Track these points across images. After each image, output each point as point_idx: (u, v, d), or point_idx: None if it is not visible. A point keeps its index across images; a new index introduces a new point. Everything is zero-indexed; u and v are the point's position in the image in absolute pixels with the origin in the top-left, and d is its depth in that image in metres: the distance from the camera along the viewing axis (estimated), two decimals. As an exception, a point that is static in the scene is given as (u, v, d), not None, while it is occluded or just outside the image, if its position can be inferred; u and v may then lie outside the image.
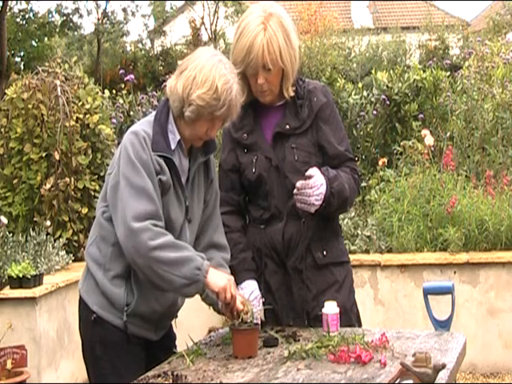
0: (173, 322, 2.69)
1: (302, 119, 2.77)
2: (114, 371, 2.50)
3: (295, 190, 2.63)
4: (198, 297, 2.54)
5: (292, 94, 2.76)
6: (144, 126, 2.49)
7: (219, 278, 2.40)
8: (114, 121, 6.85)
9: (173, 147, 2.48)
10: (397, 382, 2.02)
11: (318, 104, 2.78)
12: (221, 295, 2.40)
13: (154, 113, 2.56)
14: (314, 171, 2.65)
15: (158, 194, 2.41)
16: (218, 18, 20.25)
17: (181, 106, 2.44)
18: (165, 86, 2.61)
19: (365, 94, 7.66)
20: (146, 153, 2.41)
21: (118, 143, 2.72)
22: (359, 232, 5.65)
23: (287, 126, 2.76)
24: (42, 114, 5.74)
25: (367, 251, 5.54)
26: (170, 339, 2.67)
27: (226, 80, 2.40)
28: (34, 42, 17.63)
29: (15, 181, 5.74)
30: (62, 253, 5.36)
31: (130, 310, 2.48)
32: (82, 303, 2.57)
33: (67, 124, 5.70)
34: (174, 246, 2.37)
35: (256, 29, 2.63)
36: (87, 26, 59.99)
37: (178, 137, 2.49)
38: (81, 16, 19.25)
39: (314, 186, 2.62)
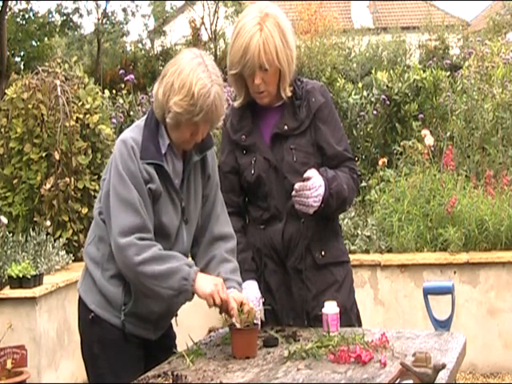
0: (173, 321, 2.69)
1: (300, 120, 2.77)
2: (112, 370, 2.50)
3: (293, 192, 2.63)
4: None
5: (289, 94, 2.76)
6: (134, 132, 2.48)
7: (206, 285, 2.39)
8: (113, 121, 6.85)
9: (163, 151, 2.47)
10: (397, 382, 2.02)
11: (317, 104, 2.78)
12: (208, 301, 2.40)
13: (144, 117, 2.55)
14: (312, 173, 2.65)
15: (147, 205, 2.42)
16: (217, 18, 20.24)
17: (162, 112, 2.44)
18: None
19: (365, 94, 7.65)
20: (135, 163, 2.41)
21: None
22: (359, 232, 5.65)
23: (285, 127, 2.76)
24: (42, 114, 5.74)
25: (367, 251, 5.54)
26: (169, 338, 2.67)
27: (202, 84, 2.36)
28: (34, 42, 17.64)
29: (15, 181, 5.74)
30: (62, 253, 5.36)
31: (127, 310, 2.48)
32: (81, 302, 2.58)
33: (67, 124, 5.70)
34: (159, 259, 2.38)
35: (252, 29, 2.63)
36: (87, 25, 60.01)
37: (168, 141, 2.49)
38: (81, 16, 19.27)
39: (313, 187, 2.62)
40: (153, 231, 2.43)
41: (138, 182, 2.41)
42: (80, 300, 2.59)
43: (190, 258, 2.64)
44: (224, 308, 2.42)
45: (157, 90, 2.45)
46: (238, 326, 2.41)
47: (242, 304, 2.43)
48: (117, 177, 2.41)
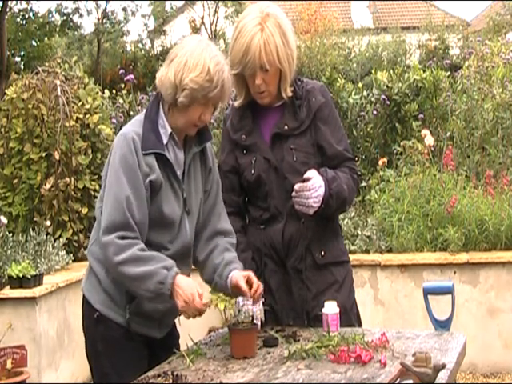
0: (176, 320, 2.69)
1: (300, 119, 2.77)
2: (115, 369, 2.50)
3: (293, 193, 2.63)
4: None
5: (290, 94, 2.76)
6: (134, 125, 2.50)
7: (181, 294, 2.35)
8: (113, 121, 6.84)
9: (165, 141, 2.49)
10: (397, 382, 2.02)
11: (317, 104, 2.78)
12: (184, 315, 2.41)
13: (144, 111, 2.57)
14: (312, 173, 2.65)
15: (140, 201, 2.41)
16: (217, 17, 20.26)
17: (174, 92, 2.44)
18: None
19: (365, 93, 7.65)
20: (134, 156, 2.42)
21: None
22: (359, 232, 5.65)
23: (286, 127, 2.76)
24: (42, 114, 5.74)
25: (367, 251, 5.54)
26: (173, 338, 2.68)
27: (217, 61, 2.43)
28: (34, 42, 17.64)
29: (15, 181, 5.74)
30: (62, 253, 5.36)
31: (132, 308, 2.49)
32: (85, 301, 2.58)
33: (67, 124, 5.70)
34: (138, 260, 2.37)
35: (253, 29, 2.64)
36: (87, 25, 60.01)
37: (169, 130, 2.50)
38: (81, 16, 19.27)
39: (313, 188, 2.62)
40: (140, 229, 2.41)
41: (135, 178, 2.41)
42: (84, 299, 2.59)
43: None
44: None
45: (166, 73, 2.45)
46: (238, 320, 2.42)
47: (248, 280, 2.46)
48: (113, 172, 2.43)
